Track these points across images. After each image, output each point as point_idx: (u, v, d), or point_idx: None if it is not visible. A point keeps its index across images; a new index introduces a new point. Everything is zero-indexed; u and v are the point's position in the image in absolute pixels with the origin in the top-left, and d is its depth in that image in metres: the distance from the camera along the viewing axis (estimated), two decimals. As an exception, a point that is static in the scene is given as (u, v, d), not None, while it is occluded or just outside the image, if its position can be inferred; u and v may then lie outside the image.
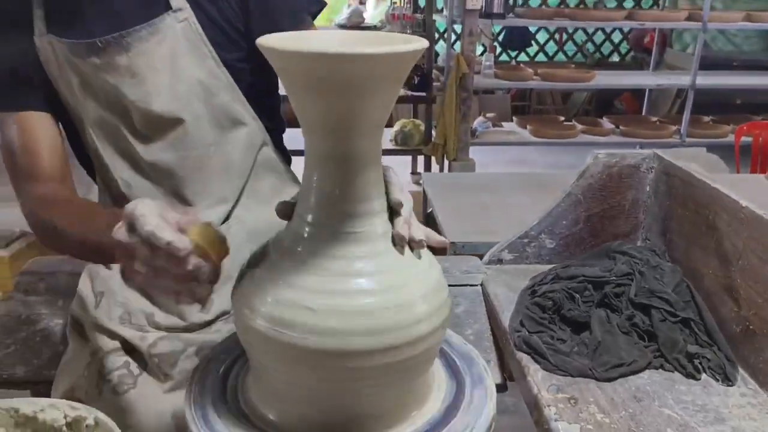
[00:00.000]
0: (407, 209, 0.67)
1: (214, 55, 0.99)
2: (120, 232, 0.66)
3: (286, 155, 1.19)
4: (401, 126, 4.27)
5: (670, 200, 1.23)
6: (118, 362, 1.00)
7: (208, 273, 0.66)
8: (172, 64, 0.97)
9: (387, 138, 4.32)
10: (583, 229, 1.31)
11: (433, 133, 4.14)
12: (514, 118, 4.68)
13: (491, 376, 0.77)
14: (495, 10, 4.04)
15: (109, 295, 1.04)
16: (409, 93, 4.18)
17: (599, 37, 6.30)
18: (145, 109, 0.97)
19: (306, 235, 0.65)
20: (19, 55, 0.96)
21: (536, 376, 0.98)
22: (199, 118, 1.00)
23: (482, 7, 3.95)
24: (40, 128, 0.98)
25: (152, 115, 0.97)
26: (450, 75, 3.86)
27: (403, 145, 4.24)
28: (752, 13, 4.21)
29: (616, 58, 6.42)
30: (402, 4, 4.71)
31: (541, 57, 6.24)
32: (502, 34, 5.90)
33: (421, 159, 4.42)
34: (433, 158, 4.19)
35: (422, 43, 0.61)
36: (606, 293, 1.09)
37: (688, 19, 4.17)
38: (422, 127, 4.25)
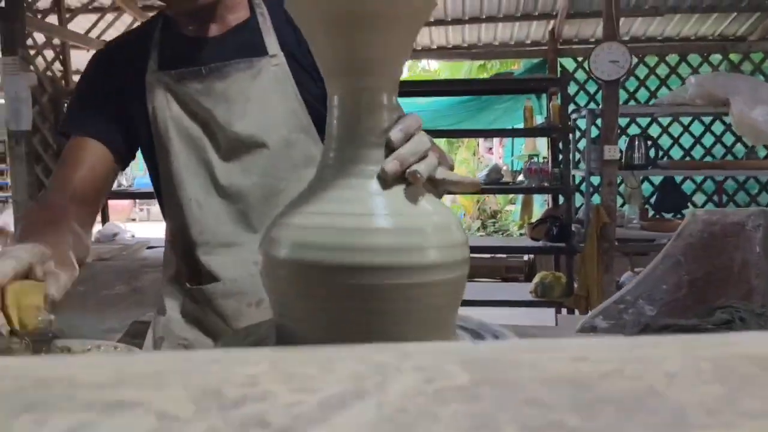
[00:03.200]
0: (409, 148, 0.66)
1: (299, 97, 1.10)
2: None
3: None
4: (541, 278, 4.20)
5: (780, 254, 1.12)
6: None
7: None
8: (262, 97, 1.09)
9: (527, 290, 4.24)
10: (687, 295, 1.20)
11: (575, 285, 4.01)
12: (665, 274, 4.42)
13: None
14: (636, 162, 4.03)
15: (170, 339, 1.13)
16: (548, 244, 4.15)
17: (765, 198, 5.94)
18: (230, 130, 1.08)
19: (331, 163, 0.70)
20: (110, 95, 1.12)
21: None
22: (278, 149, 1.09)
23: (622, 158, 3.96)
24: (90, 152, 1.09)
25: (234, 136, 1.07)
26: (590, 226, 3.81)
27: (543, 297, 4.13)
28: None
29: (785, 220, 5.97)
30: (540, 160, 4.84)
31: (698, 221, 5.96)
32: (654, 196, 5.76)
33: (564, 312, 4.25)
34: (576, 311, 4.02)
35: None
36: (701, 340, 0.98)
37: None
38: (563, 279, 4.14)
